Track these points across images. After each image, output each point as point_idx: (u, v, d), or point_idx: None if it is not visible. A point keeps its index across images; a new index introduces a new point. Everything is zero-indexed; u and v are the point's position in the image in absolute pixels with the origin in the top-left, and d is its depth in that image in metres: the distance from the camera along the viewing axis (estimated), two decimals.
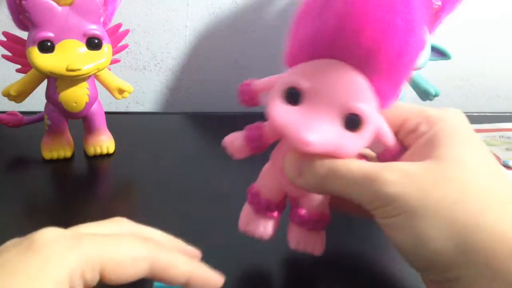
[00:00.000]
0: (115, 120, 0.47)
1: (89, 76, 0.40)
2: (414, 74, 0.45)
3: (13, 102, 0.41)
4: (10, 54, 0.40)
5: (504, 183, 0.22)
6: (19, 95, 0.41)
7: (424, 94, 0.45)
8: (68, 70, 0.37)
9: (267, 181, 0.28)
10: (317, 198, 0.27)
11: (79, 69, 0.37)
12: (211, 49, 0.58)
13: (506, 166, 0.45)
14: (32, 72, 0.41)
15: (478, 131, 0.54)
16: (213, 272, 0.23)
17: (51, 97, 0.41)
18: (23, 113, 0.45)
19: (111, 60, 0.40)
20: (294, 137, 0.22)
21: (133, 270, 0.21)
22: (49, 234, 0.20)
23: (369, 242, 0.33)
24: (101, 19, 0.39)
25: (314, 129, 0.22)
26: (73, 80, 0.40)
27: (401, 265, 0.24)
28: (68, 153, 0.44)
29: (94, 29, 0.38)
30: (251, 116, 0.26)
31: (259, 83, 0.26)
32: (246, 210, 0.29)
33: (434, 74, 0.52)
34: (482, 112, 0.61)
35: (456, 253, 0.21)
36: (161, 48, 0.57)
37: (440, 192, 0.21)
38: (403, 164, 0.22)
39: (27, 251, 0.19)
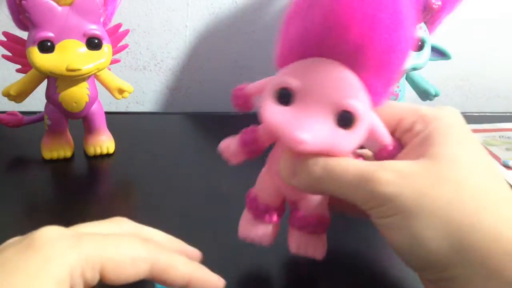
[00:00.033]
0: (115, 120, 0.47)
1: (89, 76, 0.40)
2: (414, 74, 0.45)
3: (13, 102, 0.41)
4: (10, 54, 0.40)
5: (500, 183, 0.22)
6: (19, 95, 0.41)
7: (424, 94, 0.45)
8: (68, 70, 0.37)
9: (264, 185, 0.28)
10: (315, 200, 0.27)
11: (79, 69, 0.37)
12: (211, 49, 0.58)
13: (506, 166, 0.45)
14: (32, 72, 0.41)
15: (478, 131, 0.54)
16: (213, 275, 0.23)
17: (51, 97, 0.41)
18: (23, 113, 0.45)
19: (111, 60, 0.40)
20: (287, 137, 0.22)
21: (133, 271, 0.21)
22: (50, 233, 0.20)
23: (369, 242, 0.33)
24: (101, 19, 0.39)
25: (307, 128, 0.22)
26: (73, 80, 0.40)
27: (401, 265, 0.24)
28: (68, 153, 0.44)
29: (94, 29, 0.38)
30: (251, 116, 0.26)
31: (252, 86, 0.26)
32: (245, 217, 0.29)
33: (434, 74, 0.52)
34: (482, 112, 0.61)
35: (452, 252, 0.21)
36: (161, 48, 0.57)
37: (435, 192, 0.21)
38: (398, 163, 0.22)
39: (27, 249, 0.19)
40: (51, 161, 0.43)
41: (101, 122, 0.44)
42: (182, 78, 0.59)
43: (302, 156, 0.23)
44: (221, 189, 0.39)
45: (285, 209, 0.29)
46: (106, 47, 0.39)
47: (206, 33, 0.57)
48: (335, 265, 0.30)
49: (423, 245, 0.21)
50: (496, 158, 0.47)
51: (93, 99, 0.42)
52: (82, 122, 0.44)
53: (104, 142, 0.45)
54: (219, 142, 0.28)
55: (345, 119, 0.22)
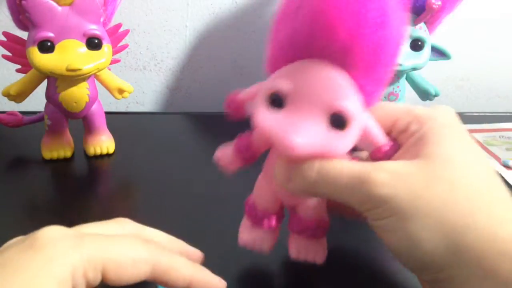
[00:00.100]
0: (115, 120, 0.47)
1: (89, 76, 0.40)
2: (414, 74, 0.45)
3: (13, 102, 0.41)
4: (10, 54, 0.40)
5: (494, 182, 0.22)
6: (19, 95, 0.41)
7: (424, 94, 0.45)
8: (68, 70, 0.37)
9: (262, 192, 0.28)
10: (314, 204, 0.27)
11: (79, 69, 0.37)
12: (211, 49, 0.58)
13: (506, 166, 0.45)
14: (32, 72, 0.41)
15: (478, 131, 0.54)
16: (214, 276, 0.23)
17: (51, 97, 0.41)
18: (23, 113, 0.45)
19: (111, 60, 0.40)
20: (280, 142, 0.22)
21: (134, 272, 0.21)
22: (52, 233, 0.20)
23: (368, 242, 0.33)
24: (101, 19, 0.39)
25: (300, 132, 0.22)
26: (73, 80, 0.40)
27: (400, 264, 0.24)
28: (68, 153, 0.44)
29: (94, 29, 0.38)
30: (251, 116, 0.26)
31: (244, 93, 0.26)
32: (245, 224, 0.29)
33: (434, 74, 0.52)
34: (482, 112, 0.61)
35: (447, 253, 0.21)
36: (161, 48, 0.57)
37: (430, 193, 0.21)
38: (392, 164, 0.22)
39: (29, 249, 0.19)
40: (51, 161, 0.43)
41: (101, 122, 0.44)
42: (182, 78, 0.59)
43: (297, 161, 0.23)
44: (221, 189, 0.39)
45: (284, 214, 0.29)
46: (106, 47, 0.39)
47: (206, 33, 0.57)
48: (335, 264, 0.30)
49: (419, 246, 0.21)
50: (496, 158, 0.47)
51: (93, 99, 0.42)
52: (82, 122, 0.44)
53: (104, 142, 0.45)
54: (219, 142, 0.28)
55: (338, 121, 0.22)
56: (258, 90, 0.24)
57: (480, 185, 0.22)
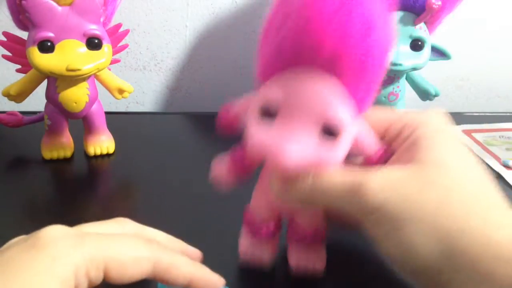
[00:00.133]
0: (115, 120, 0.47)
1: (89, 76, 0.40)
2: (414, 74, 0.45)
3: (13, 102, 0.41)
4: (10, 54, 0.40)
5: (487, 186, 0.23)
6: (19, 95, 0.41)
7: (424, 94, 0.45)
8: (68, 70, 0.37)
9: (259, 202, 0.28)
10: (311, 213, 0.27)
11: (79, 69, 0.37)
12: (211, 49, 0.58)
13: (506, 166, 0.45)
14: (32, 72, 0.41)
15: (478, 131, 0.54)
16: (214, 274, 0.23)
17: (51, 97, 0.41)
18: (23, 113, 0.45)
19: (111, 60, 0.40)
20: (273, 155, 0.22)
21: (136, 270, 0.21)
22: (54, 232, 0.20)
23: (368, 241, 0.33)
24: (101, 19, 0.39)
25: (292, 145, 0.22)
26: (73, 80, 0.40)
27: None
28: (68, 153, 0.44)
29: (94, 29, 0.38)
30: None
31: (237, 106, 0.26)
32: (244, 237, 0.29)
33: (434, 74, 0.52)
34: (482, 112, 0.61)
35: (443, 258, 0.21)
36: (161, 48, 0.57)
37: (423, 197, 0.21)
38: (384, 170, 0.23)
39: (32, 248, 0.19)
40: (51, 161, 0.43)
41: (101, 122, 0.44)
42: (182, 78, 0.59)
43: (291, 173, 0.24)
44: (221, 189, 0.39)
45: (282, 225, 0.29)
46: (106, 47, 0.39)
47: (206, 33, 0.57)
48: (334, 262, 0.30)
49: (413, 251, 0.21)
50: (496, 158, 0.47)
51: (93, 99, 0.42)
52: (82, 122, 0.44)
53: (104, 142, 0.45)
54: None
55: (329, 131, 0.22)
56: (249, 103, 0.24)
57: (474, 190, 0.22)
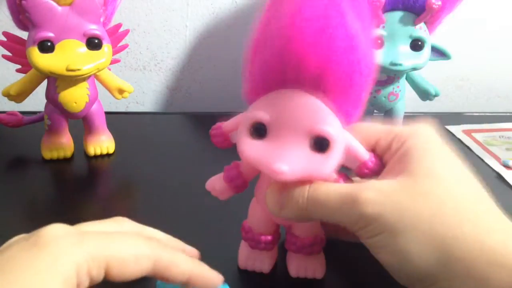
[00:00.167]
0: (115, 120, 0.47)
1: (89, 76, 0.40)
2: (414, 74, 0.45)
3: (13, 102, 0.41)
4: (10, 54, 0.40)
5: (479, 194, 0.23)
6: (19, 95, 0.41)
7: (424, 94, 0.45)
8: (68, 70, 0.37)
9: (256, 217, 0.29)
10: (308, 222, 0.28)
11: (79, 69, 0.37)
12: (211, 49, 0.58)
13: (506, 166, 0.45)
14: (32, 72, 0.41)
15: (478, 131, 0.54)
16: (212, 271, 0.23)
17: (51, 97, 0.41)
18: (23, 113, 0.45)
19: (111, 60, 0.40)
20: (267, 169, 0.23)
21: (137, 268, 0.21)
22: (55, 231, 0.20)
23: None
24: (101, 19, 0.39)
25: (284, 158, 0.23)
26: (73, 80, 0.40)
27: None
28: (68, 153, 0.44)
29: (94, 29, 0.38)
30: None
31: (227, 124, 0.27)
32: (243, 247, 0.30)
33: (434, 74, 0.52)
34: (482, 112, 0.61)
35: (438, 266, 0.21)
36: (161, 48, 0.57)
37: (416, 207, 0.22)
38: (378, 182, 0.23)
39: (33, 247, 0.19)
40: (51, 161, 0.43)
41: (101, 122, 0.44)
42: (182, 78, 0.59)
43: (287, 189, 0.24)
44: None
45: (280, 234, 0.30)
46: (106, 47, 0.39)
47: (206, 33, 0.57)
48: (334, 261, 0.30)
49: (409, 259, 0.22)
50: (496, 158, 0.47)
51: (93, 99, 0.42)
52: (82, 122, 0.44)
53: (104, 142, 0.45)
54: None
55: (320, 144, 0.23)
56: (240, 121, 0.25)
57: (466, 197, 0.22)
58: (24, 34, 0.39)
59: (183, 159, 0.45)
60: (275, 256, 0.30)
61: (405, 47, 0.41)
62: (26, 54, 0.38)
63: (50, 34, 0.37)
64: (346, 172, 0.26)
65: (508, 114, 0.60)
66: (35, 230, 0.20)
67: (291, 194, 0.24)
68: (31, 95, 0.42)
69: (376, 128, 0.26)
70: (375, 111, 0.47)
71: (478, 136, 0.52)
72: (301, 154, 0.23)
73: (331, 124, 0.23)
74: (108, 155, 0.45)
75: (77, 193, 0.39)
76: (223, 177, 0.27)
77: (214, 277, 0.23)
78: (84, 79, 0.40)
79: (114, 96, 0.44)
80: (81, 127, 0.44)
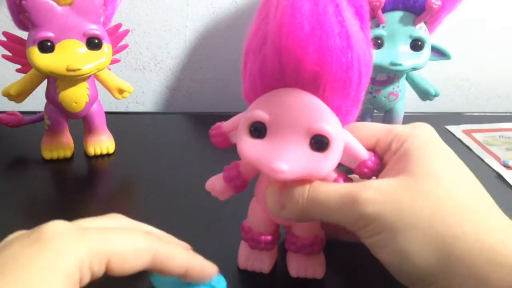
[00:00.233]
0: (115, 120, 0.48)
1: (89, 76, 0.40)
2: (414, 74, 0.45)
3: (13, 102, 0.41)
4: (10, 54, 0.40)
5: (479, 193, 0.23)
6: (19, 95, 0.41)
7: (424, 94, 0.45)
8: (68, 70, 0.37)
9: (256, 217, 0.29)
10: (308, 222, 0.28)
11: (79, 69, 0.37)
12: (211, 49, 0.58)
13: (506, 166, 0.45)
14: (32, 72, 0.41)
15: (478, 131, 0.54)
16: (208, 263, 0.24)
17: (51, 97, 0.41)
18: (23, 113, 0.45)
19: (111, 60, 0.40)
20: (266, 168, 0.23)
21: (136, 262, 0.21)
22: (57, 227, 0.20)
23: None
24: (101, 19, 0.39)
25: (284, 157, 0.23)
26: (73, 80, 0.40)
27: None
28: (68, 153, 0.44)
29: (94, 29, 0.38)
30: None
31: (227, 124, 0.27)
32: (243, 248, 0.30)
33: (434, 74, 0.52)
34: (482, 112, 0.61)
35: (438, 265, 0.21)
36: (161, 48, 0.57)
37: (416, 206, 0.22)
38: (378, 182, 0.23)
39: (35, 243, 0.19)
40: (51, 161, 0.43)
41: (101, 122, 0.44)
42: (182, 78, 0.59)
43: (287, 189, 0.24)
44: None
45: (280, 234, 0.30)
46: (106, 47, 0.39)
47: (206, 33, 0.57)
48: (334, 261, 0.30)
49: (409, 259, 0.22)
50: (496, 158, 0.47)
51: (93, 99, 0.42)
52: (82, 122, 0.44)
53: (104, 142, 0.45)
54: None
55: (319, 143, 0.23)
56: (239, 121, 0.25)
57: (466, 197, 0.22)
58: (24, 34, 0.39)
59: (183, 159, 0.45)
60: (275, 256, 0.30)
61: (405, 47, 0.41)
62: (26, 54, 0.38)
63: (50, 34, 0.37)
64: (346, 171, 0.26)
65: (508, 114, 0.60)
66: (37, 227, 0.21)
67: (291, 194, 0.24)
68: (31, 95, 0.42)
69: (376, 128, 0.26)
70: (375, 111, 0.47)
71: (478, 136, 0.52)
72: (300, 153, 0.23)
73: (330, 122, 0.23)
74: (108, 155, 0.45)
75: (77, 193, 0.39)
76: (223, 177, 0.27)
77: (210, 268, 0.24)
78: (84, 79, 0.40)
79: (114, 96, 0.44)
80: (81, 127, 0.44)
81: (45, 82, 0.41)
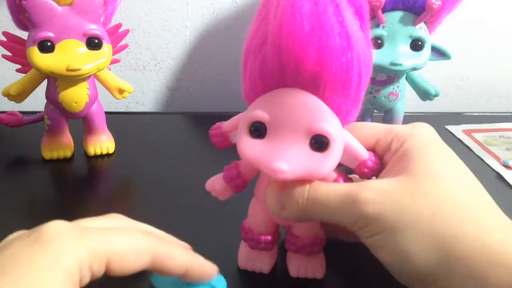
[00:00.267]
0: (115, 120, 0.48)
1: (89, 76, 0.40)
2: (414, 74, 0.45)
3: (13, 102, 0.41)
4: (10, 54, 0.40)
5: (479, 193, 0.23)
6: (19, 95, 0.41)
7: (424, 94, 0.45)
8: (68, 70, 0.37)
9: (256, 217, 0.29)
10: (308, 222, 0.28)
11: (79, 69, 0.37)
12: (211, 49, 0.58)
13: (506, 166, 0.45)
14: (32, 72, 0.41)
15: (478, 131, 0.54)
16: (208, 262, 0.24)
17: (51, 97, 0.41)
18: (23, 113, 0.45)
19: (111, 60, 0.40)
20: (266, 168, 0.23)
21: (137, 262, 0.21)
22: (57, 227, 0.20)
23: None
24: (101, 19, 0.39)
25: (284, 157, 0.23)
26: (73, 80, 0.40)
27: None
28: (68, 153, 0.44)
29: (94, 29, 0.38)
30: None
31: (227, 124, 0.27)
32: (243, 248, 0.30)
33: (434, 74, 0.52)
34: (482, 112, 0.61)
35: (438, 265, 0.21)
36: (161, 48, 0.57)
37: (416, 206, 0.22)
38: (378, 182, 0.23)
39: (35, 243, 0.19)
40: (51, 161, 0.43)
41: (101, 122, 0.44)
42: (182, 78, 0.59)
43: (287, 189, 0.24)
44: None
45: (280, 234, 0.30)
46: (106, 47, 0.39)
47: (206, 33, 0.57)
48: (334, 261, 0.30)
49: (410, 259, 0.22)
50: (496, 158, 0.47)
51: (93, 99, 0.42)
52: (82, 122, 0.44)
53: (104, 142, 0.45)
54: None
55: (319, 143, 0.23)
56: (239, 121, 0.25)
57: (466, 197, 0.22)
58: (24, 34, 0.39)
59: (183, 159, 0.45)
60: (275, 256, 0.30)
61: (405, 47, 0.41)
62: (26, 54, 0.38)
63: (50, 34, 0.37)
64: (346, 171, 0.26)
65: (508, 114, 0.60)
66: (37, 227, 0.21)
67: (291, 194, 0.24)
68: (31, 95, 0.42)
69: (376, 128, 0.26)
70: (375, 111, 0.47)
71: (478, 136, 0.52)
72: (300, 153, 0.23)
73: (330, 122, 0.23)
74: (108, 155, 0.45)
75: (77, 193, 0.39)
76: (223, 177, 0.27)
77: (210, 268, 0.24)
78: (84, 79, 0.40)
79: (114, 96, 0.44)
80: (81, 127, 0.44)
81: (45, 82, 0.41)
